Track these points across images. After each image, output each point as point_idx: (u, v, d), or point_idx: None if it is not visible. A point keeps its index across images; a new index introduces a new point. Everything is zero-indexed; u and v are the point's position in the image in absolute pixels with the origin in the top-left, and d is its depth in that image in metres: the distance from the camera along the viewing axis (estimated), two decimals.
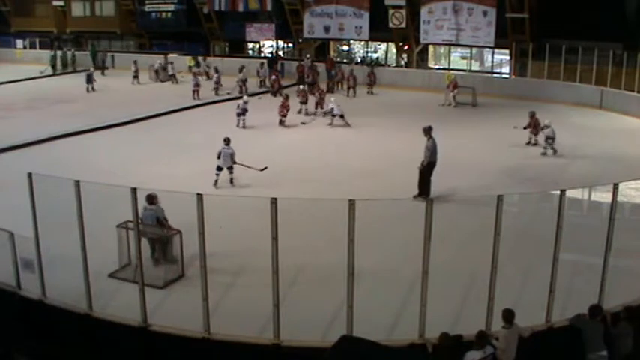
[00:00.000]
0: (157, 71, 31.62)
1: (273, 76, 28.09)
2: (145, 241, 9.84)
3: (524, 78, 27.66)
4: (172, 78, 30.96)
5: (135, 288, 8.59)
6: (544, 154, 17.61)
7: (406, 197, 12.42)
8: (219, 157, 14.51)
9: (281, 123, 21.20)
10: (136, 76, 30.51)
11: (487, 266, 8.04)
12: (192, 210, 7.74)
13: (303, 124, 21.69)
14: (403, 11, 30.33)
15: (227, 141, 14.62)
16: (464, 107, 25.02)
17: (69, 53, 37.01)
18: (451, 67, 32.09)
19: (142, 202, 9.38)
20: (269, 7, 34.18)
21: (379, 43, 34.92)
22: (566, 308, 8.51)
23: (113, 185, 8.70)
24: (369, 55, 35.37)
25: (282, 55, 36.75)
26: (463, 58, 32.92)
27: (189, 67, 32.86)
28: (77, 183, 8.27)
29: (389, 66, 33.13)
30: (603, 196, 12.38)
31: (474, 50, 31.80)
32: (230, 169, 14.55)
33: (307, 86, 26.40)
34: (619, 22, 25.38)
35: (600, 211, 12.22)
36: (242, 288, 9.60)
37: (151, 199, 10.18)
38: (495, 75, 30.93)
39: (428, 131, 13.76)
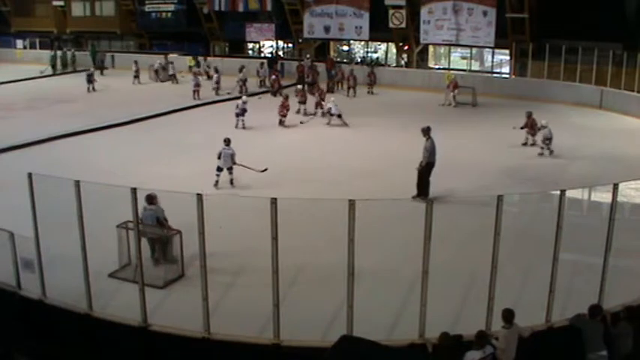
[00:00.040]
0: (156, 71, 31.62)
1: (273, 76, 28.09)
2: (144, 241, 9.84)
3: (524, 78, 27.66)
4: (172, 78, 30.96)
5: (135, 288, 8.59)
6: (541, 154, 17.60)
7: (406, 197, 12.44)
8: (219, 158, 14.50)
9: (281, 123, 21.19)
10: (136, 76, 30.52)
11: (487, 266, 8.04)
12: (192, 210, 7.75)
13: (302, 123, 21.71)
14: (403, 11, 30.33)
15: (227, 141, 14.61)
16: (464, 107, 25.02)
17: (69, 53, 37.00)
18: (451, 67, 32.09)
19: (141, 202, 9.38)
20: (269, 7, 34.17)
21: (379, 43, 34.91)
22: (566, 308, 8.51)
23: (113, 185, 8.69)
24: (369, 55, 35.37)
25: (282, 55, 36.74)
26: (463, 58, 32.92)
27: (190, 67, 32.87)
28: (77, 183, 8.28)
29: (389, 66, 33.13)
30: (603, 196, 12.38)
31: (474, 50, 31.80)
32: (230, 169, 14.53)
33: (307, 86, 26.43)
34: (619, 22, 25.38)
35: (600, 211, 12.22)
36: (242, 288, 9.60)
37: (151, 199, 10.18)
38: (495, 75, 30.93)
39: (427, 132, 13.74)
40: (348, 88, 27.61)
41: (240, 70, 27.86)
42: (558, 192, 8.20)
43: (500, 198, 7.85)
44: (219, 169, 14.49)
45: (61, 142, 19.04)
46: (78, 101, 26.12)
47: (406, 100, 26.77)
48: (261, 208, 7.52)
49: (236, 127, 20.33)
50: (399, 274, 9.65)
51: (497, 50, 30.68)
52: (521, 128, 18.56)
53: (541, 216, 11.93)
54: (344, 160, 17.09)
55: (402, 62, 32.79)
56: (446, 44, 31.30)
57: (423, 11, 30.15)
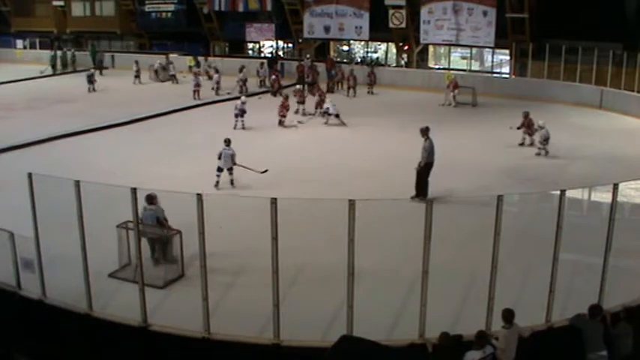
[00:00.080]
0: (156, 71, 31.63)
1: (273, 76, 28.10)
2: (144, 241, 9.84)
3: (524, 78, 27.65)
4: (173, 78, 30.96)
5: (135, 288, 8.59)
6: (538, 154, 17.60)
7: (406, 197, 12.46)
8: (219, 158, 14.49)
9: (280, 123, 21.18)
10: (137, 76, 30.52)
11: (487, 266, 8.04)
12: (192, 210, 7.75)
13: (300, 122, 21.72)
14: (403, 11, 30.33)
15: (228, 142, 14.60)
16: (464, 107, 25.01)
17: (69, 53, 37.01)
18: (451, 67, 32.08)
19: (141, 202, 9.38)
20: (269, 7, 34.17)
21: (379, 43, 34.91)
22: (566, 308, 8.51)
23: (113, 185, 8.69)
24: (369, 55, 35.36)
25: (282, 55, 36.75)
26: (463, 58, 32.91)
27: (190, 67, 32.88)
28: (77, 183, 8.28)
29: (389, 66, 33.13)
30: (603, 196, 12.38)
31: (474, 50, 31.79)
32: (230, 170, 14.52)
33: (308, 86, 26.42)
34: (619, 22, 25.38)
35: (600, 211, 12.22)
36: (242, 288, 9.60)
37: (151, 199, 10.18)
38: (495, 75, 30.92)
39: (425, 132, 13.73)
40: (348, 88, 27.61)
41: (241, 70, 27.87)
42: (558, 192, 8.19)
43: (500, 198, 7.85)
44: (220, 170, 14.47)
45: (61, 142, 19.04)
46: (78, 101, 26.12)
47: (406, 100, 26.76)
48: (261, 208, 7.52)
49: (234, 128, 20.18)
50: (399, 274, 9.65)
51: (497, 50, 30.67)
52: (518, 128, 18.57)
53: (541, 216, 11.92)
54: (344, 160, 17.09)
55: (402, 62, 32.79)
56: (446, 44, 31.29)
57: (423, 11, 30.15)
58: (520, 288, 9.32)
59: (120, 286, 9.63)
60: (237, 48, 37.98)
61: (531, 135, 18.31)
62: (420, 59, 32.27)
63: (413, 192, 13.28)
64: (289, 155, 17.63)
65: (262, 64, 30.81)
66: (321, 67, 29.79)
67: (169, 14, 37.57)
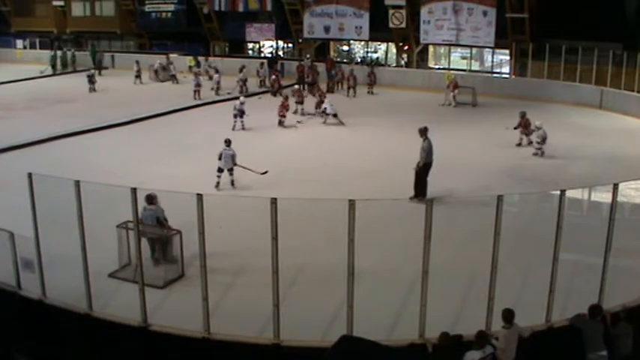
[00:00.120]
0: (156, 71, 31.63)
1: (273, 76, 28.10)
2: (144, 241, 9.84)
3: (524, 78, 27.65)
4: (173, 78, 30.96)
5: (135, 288, 8.59)
6: (536, 154, 17.60)
7: (406, 197, 12.45)
8: (220, 159, 14.48)
9: (280, 123, 21.17)
10: (138, 76, 30.52)
11: (487, 266, 8.04)
12: (192, 210, 7.74)
13: (299, 122, 21.71)
14: (403, 11, 30.32)
15: (228, 142, 14.59)
16: (464, 107, 25.01)
17: (69, 53, 37.01)
18: (451, 67, 32.07)
19: (141, 202, 9.39)
20: (269, 7, 34.16)
21: (379, 43, 34.90)
22: (566, 308, 8.51)
23: (113, 185, 8.70)
24: (369, 55, 35.37)
25: (282, 55, 36.75)
26: (463, 58, 32.91)
27: (190, 67, 32.87)
28: (77, 183, 8.28)
29: (389, 66, 33.12)
30: (603, 196, 12.38)
31: (474, 50, 31.78)
32: (231, 170, 14.51)
33: (308, 86, 26.40)
34: (619, 22, 25.38)
35: (600, 211, 12.22)
36: (242, 288, 9.60)
37: (151, 199, 10.18)
38: (495, 75, 30.91)
39: (424, 132, 13.72)
40: (348, 88, 27.61)
41: (241, 70, 27.86)
42: (558, 192, 8.20)
43: (500, 198, 7.85)
44: (220, 170, 14.45)
45: (61, 142, 19.04)
46: (78, 101, 26.12)
47: (406, 100, 26.76)
48: (261, 208, 7.52)
49: (233, 129, 20.05)
50: (399, 274, 9.65)
51: (497, 50, 30.67)
52: (515, 128, 18.56)
53: (541, 216, 11.92)
54: (343, 160, 17.09)
55: (402, 62, 32.78)
56: (446, 44, 31.29)
57: (423, 11, 30.15)
58: (520, 288, 9.32)
59: (120, 286, 9.63)
60: (237, 48, 37.97)
61: (528, 135, 18.30)
62: (420, 59, 32.27)
63: (412, 192, 13.28)
64: (289, 155, 17.63)
65: (262, 64, 30.80)
66: (321, 67, 29.77)
67: (169, 14, 37.58)
